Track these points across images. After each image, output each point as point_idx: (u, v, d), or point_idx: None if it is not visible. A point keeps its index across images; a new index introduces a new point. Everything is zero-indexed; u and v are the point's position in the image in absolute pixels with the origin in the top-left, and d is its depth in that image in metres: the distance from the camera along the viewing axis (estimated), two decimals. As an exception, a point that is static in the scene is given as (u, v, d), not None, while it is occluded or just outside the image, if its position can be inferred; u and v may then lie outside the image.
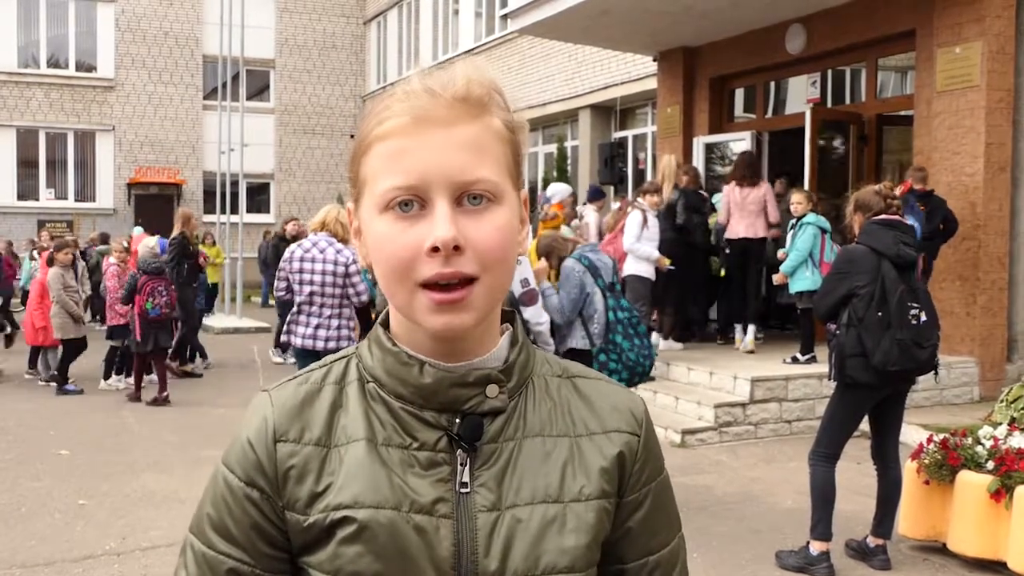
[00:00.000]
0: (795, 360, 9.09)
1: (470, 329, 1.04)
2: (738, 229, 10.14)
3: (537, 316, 5.49)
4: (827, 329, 5.40)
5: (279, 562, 1.07)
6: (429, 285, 1.00)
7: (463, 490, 1.05)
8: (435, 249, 0.99)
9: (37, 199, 25.81)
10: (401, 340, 1.09)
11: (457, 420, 1.06)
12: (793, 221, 9.27)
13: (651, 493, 1.16)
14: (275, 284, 7.26)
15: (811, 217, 9.02)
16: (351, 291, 6.78)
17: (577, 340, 5.88)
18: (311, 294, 6.64)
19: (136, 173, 26.03)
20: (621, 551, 1.15)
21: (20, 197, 25.57)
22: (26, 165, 25.77)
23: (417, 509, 1.03)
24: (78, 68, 26.14)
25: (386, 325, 1.12)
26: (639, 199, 9.75)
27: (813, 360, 8.97)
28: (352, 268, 6.65)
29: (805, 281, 8.90)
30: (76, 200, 26.04)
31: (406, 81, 1.06)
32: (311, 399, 1.10)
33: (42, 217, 24.96)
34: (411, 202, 1.01)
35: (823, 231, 9.00)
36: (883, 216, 5.16)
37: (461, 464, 1.05)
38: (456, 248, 0.99)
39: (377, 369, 1.09)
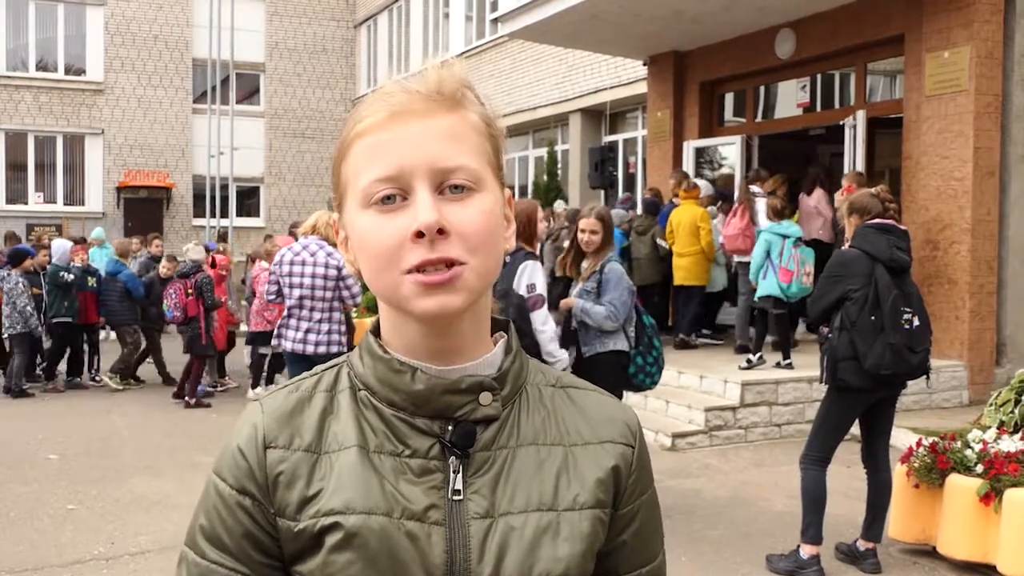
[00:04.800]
0: (748, 363, 9.13)
1: (460, 312, 1.03)
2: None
3: (543, 321, 5.33)
4: (819, 332, 5.41)
5: (272, 571, 1.07)
6: (415, 271, 1.00)
7: (456, 497, 1.04)
8: (419, 235, 0.99)
9: (26, 203, 25.67)
10: (392, 347, 1.09)
11: (450, 427, 1.05)
12: (759, 230, 9.55)
13: (643, 506, 1.16)
14: (266, 288, 7.23)
15: (769, 226, 9.23)
16: (345, 293, 6.77)
17: (621, 342, 5.79)
18: (301, 298, 6.63)
19: (125, 176, 25.92)
20: (614, 564, 1.15)
21: (9, 201, 25.44)
22: (15, 168, 25.63)
23: (409, 516, 1.02)
24: (67, 71, 26.02)
25: (377, 333, 1.12)
26: (755, 186, 10.12)
27: (762, 361, 9.10)
28: (345, 270, 6.64)
29: (760, 287, 9.12)
30: (65, 204, 25.91)
31: (381, 86, 1.08)
32: (302, 406, 1.09)
33: (31, 221, 24.85)
34: (393, 196, 1.01)
35: (784, 237, 9.04)
36: (877, 220, 5.17)
37: (454, 471, 1.05)
38: (441, 232, 0.99)
39: (369, 377, 1.09)
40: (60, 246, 11.97)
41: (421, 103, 1.03)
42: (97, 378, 12.06)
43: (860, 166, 10.38)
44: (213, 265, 11.28)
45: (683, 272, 10.77)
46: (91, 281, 11.88)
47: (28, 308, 11.00)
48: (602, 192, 15.97)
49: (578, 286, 5.86)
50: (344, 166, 1.07)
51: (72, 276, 11.58)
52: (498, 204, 1.06)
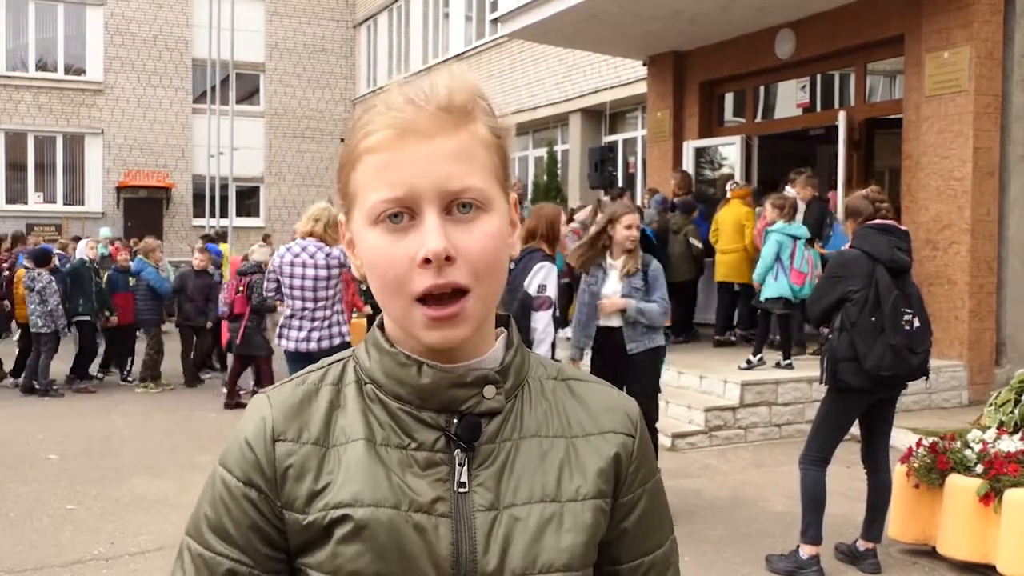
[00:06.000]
0: (748, 363, 9.12)
1: (464, 341, 1.05)
2: None
3: (545, 324, 5.30)
4: (820, 333, 5.41)
5: (277, 563, 1.08)
6: (424, 299, 1.01)
7: (461, 490, 1.05)
8: (427, 261, 0.99)
9: (26, 203, 25.68)
10: (398, 342, 1.10)
11: (455, 420, 1.06)
12: (768, 230, 9.45)
13: (645, 494, 1.17)
14: (264, 285, 7.24)
15: (778, 226, 9.15)
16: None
17: (661, 337, 5.95)
18: (303, 299, 6.64)
19: (125, 176, 25.93)
20: (616, 552, 1.16)
21: (9, 201, 25.45)
22: (14, 168, 25.65)
23: (416, 508, 1.03)
24: (67, 71, 26.03)
25: (383, 327, 1.13)
26: (789, 187, 10.16)
27: (762, 363, 9.08)
28: (348, 263, 6.65)
29: (770, 288, 9.07)
30: (65, 203, 25.93)
31: (386, 92, 1.06)
32: (309, 399, 1.10)
33: (31, 221, 24.84)
34: (401, 214, 1.01)
35: (795, 238, 9.04)
36: (878, 221, 5.17)
37: (459, 464, 1.06)
38: (448, 259, 1.00)
39: (375, 371, 1.10)
40: (83, 244, 12.18)
41: (428, 121, 1.02)
42: (130, 378, 12.10)
43: (843, 167, 10.55)
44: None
45: (724, 268, 10.80)
46: (131, 281, 11.95)
47: (58, 308, 11.04)
48: (601, 192, 15.96)
49: (617, 284, 5.86)
50: (352, 178, 1.07)
51: (67, 266, 11.70)
52: (504, 221, 1.07)
